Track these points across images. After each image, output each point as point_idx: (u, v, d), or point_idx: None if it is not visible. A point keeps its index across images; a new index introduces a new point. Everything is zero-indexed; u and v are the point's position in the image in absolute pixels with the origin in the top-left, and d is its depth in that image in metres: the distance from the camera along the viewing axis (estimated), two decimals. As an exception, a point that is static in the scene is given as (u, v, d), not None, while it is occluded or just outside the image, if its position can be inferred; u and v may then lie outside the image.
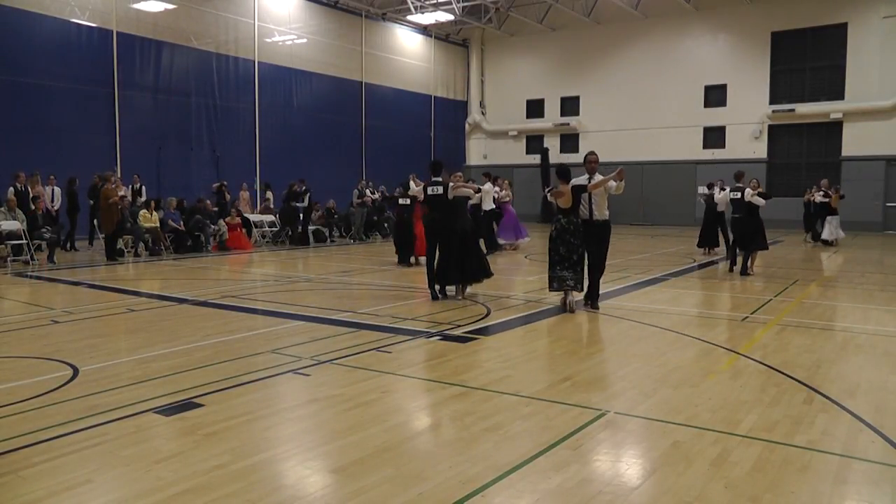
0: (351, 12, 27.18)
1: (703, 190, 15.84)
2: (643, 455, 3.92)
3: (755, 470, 3.65)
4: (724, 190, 14.64)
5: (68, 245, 16.42)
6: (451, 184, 9.46)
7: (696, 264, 14.36)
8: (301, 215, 19.06)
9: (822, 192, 19.65)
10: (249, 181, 21.90)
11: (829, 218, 19.03)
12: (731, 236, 13.71)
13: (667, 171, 27.66)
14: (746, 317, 8.32)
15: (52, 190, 16.03)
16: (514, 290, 10.47)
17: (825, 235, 19.03)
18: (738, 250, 12.74)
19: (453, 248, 9.28)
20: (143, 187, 18.02)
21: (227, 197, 18.79)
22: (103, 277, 12.03)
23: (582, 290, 8.53)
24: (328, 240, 20.36)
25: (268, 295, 10.29)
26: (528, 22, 30.61)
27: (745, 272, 12.15)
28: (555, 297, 8.97)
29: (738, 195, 12.39)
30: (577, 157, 29.77)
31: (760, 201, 12.34)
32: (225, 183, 19.42)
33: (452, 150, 33.36)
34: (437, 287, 9.51)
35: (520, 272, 13.18)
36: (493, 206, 16.55)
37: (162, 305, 9.02)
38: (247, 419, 4.45)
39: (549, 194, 8.72)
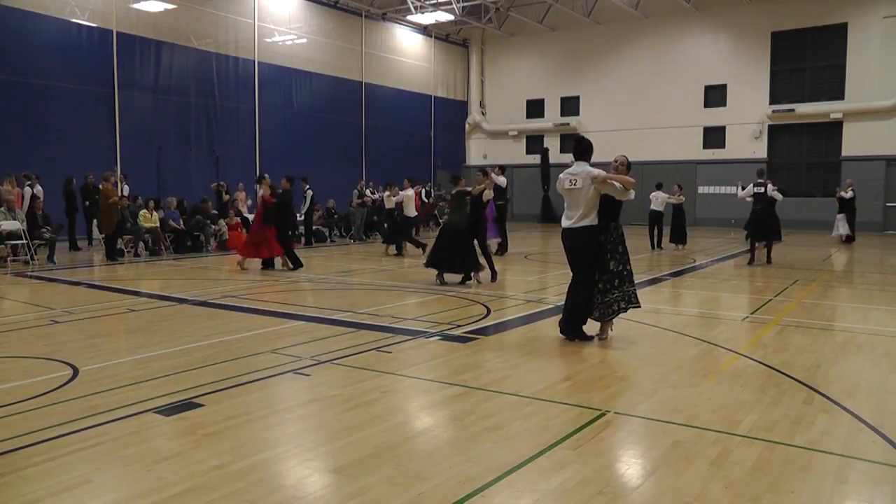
0: (351, 12, 27.18)
1: (661, 195, 18.03)
2: (643, 455, 3.92)
3: (755, 470, 3.65)
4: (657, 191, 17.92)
5: (73, 243, 16.42)
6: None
7: (696, 263, 14.38)
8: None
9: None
10: (249, 181, 21.87)
11: (838, 216, 19.86)
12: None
13: (667, 171, 27.65)
14: (746, 317, 8.32)
15: (34, 189, 15.59)
16: (514, 290, 10.47)
17: (833, 233, 19.91)
18: (755, 242, 14.15)
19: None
20: (127, 186, 17.97)
21: (227, 197, 18.77)
22: (103, 277, 12.03)
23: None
24: (328, 240, 20.35)
25: (268, 295, 10.29)
26: (528, 22, 30.61)
27: (752, 262, 13.84)
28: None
29: (762, 190, 13.92)
30: (577, 157, 29.90)
31: (779, 196, 14.26)
32: (222, 183, 19.42)
33: (452, 150, 33.39)
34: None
35: (520, 272, 13.17)
36: (416, 213, 16.70)
37: (162, 305, 9.01)
38: (247, 419, 4.45)
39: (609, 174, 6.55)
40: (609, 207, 6.60)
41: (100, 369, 5.65)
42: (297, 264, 12.97)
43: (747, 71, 27.08)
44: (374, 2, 27.84)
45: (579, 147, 6.74)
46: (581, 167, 6.61)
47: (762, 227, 13.96)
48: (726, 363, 5.97)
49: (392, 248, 16.20)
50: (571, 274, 6.89)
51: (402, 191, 16.25)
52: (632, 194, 6.55)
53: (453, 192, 11.47)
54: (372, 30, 28.25)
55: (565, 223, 6.69)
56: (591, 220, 6.55)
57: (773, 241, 14.12)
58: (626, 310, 6.71)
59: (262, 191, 13.11)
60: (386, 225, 17.75)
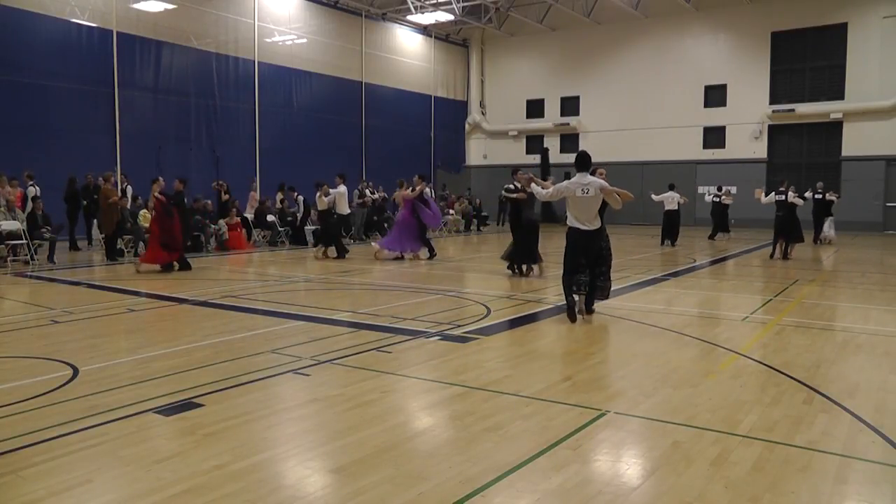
0: (351, 12, 27.19)
1: (675, 195, 19.25)
2: (643, 455, 3.92)
3: (755, 470, 3.65)
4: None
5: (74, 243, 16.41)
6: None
7: (695, 263, 14.38)
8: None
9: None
10: (249, 181, 21.87)
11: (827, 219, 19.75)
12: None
13: (667, 171, 27.67)
14: (746, 317, 8.31)
15: (29, 189, 15.43)
16: (514, 290, 10.46)
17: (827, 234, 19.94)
18: (778, 241, 15.28)
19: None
20: (130, 187, 17.93)
21: (225, 197, 18.66)
22: (103, 277, 12.03)
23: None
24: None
25: (268, 295, 10.29)
26: (528, 22, 30.62)
27: (785, 257, 15.14)
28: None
29: (783, 197, 15.22)
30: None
31: (800, 202, 15.57)
32: (221, 182, 19.39)
33: (452, 150, 33.38)
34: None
35: (520, 272, 13.17)
36: (349, 211, 15.81)
37: (162, 305, 9.02)
38: (247, 419, 4.45)
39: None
40: (599, 212, 7.97)
41: (100, 369, 5.65)
42: (185, 266, 12.59)
43: (747, 71, 27.09)
44: (374, 2, 27.83)
45: (582, 161, 7.77)
46: (586, 178, 7.65)
47: (785, 230, 15.21)
48: (726, 363, 5.97)
49: (330, 251, 15.10)
50: (569, 269, 7.75)
51: (332, 188, 15.14)
52: (620, 204, 7.83)
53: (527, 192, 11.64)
54: (372, 30, 28.25)
55: (584, 227, 7.70)
56: (599, 223, 7.83)
57: (794, 241, 15.36)
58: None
59: (154, 192, 12.59)
60: (319, 226, 16.46)
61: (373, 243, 15.90)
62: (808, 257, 15.94)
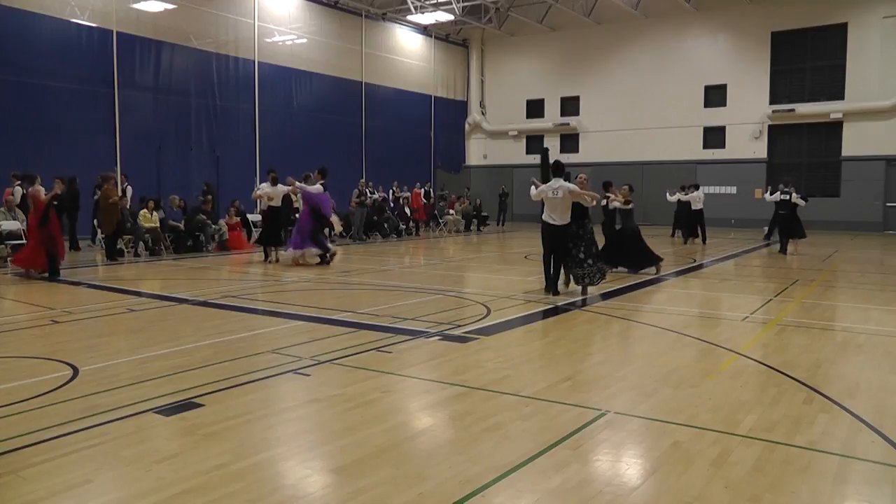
0: (351, 12, 27.18)
1: (700, 194, 19.82)
2: (643, 455, 3.92)
3: (755, 470, 3.65)
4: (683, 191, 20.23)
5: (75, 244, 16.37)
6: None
7: (696, 264, 14.38)
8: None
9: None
10: (249, 181, 21.85)
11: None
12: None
13: (667, 171, 27.70)
14: (746, 317, 8.31)
15: (17, 189, 15.43)
16: (514, 290, 10.46)
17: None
18: (783, 238, 16.35)
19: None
20: (129, 188, 17.84)
21: (208, 199, 17.83)
22: (103, 277, 12.03)
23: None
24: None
25: (268, 295, 10.29)
26: (528, 22, 30.61)
27: (784, 251, 16.11)
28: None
29: (787, 197, 16.20)
30: (577, 158, 29.93)
31: (802, 202, 16.48)
32: (208, 184, 19.08)
33: (452, 150, 33.38)
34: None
35: (520, 272, 13.16)
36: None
37: (162, 305, 9.01)
38: (247, 419, 4.45)
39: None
40: (579, 211, 9.61)
41: (100, 369, 5.65)
42: (53, 273, 11.56)
43: (747, 71, 27.08)
44: (374, 2, 27.83)
45: (557, 167, 9.67)
46: (559, 182, 9.44)
47: (789, 227, 16.20)
48: (726, 363, 5.97)
49: (300, 253, 13.88)
50: (548, 255, 9.69)
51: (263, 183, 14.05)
52: (594, 203, 9.82)
53: (630, 200, 12.72)
54: (372, 30, 28.24)
55: (552, 221, 9.52)
56: (567, 219, 9.51)
57: (798, 237, 16.31)
58: (603, 279, 9.76)
59: (33, 191, 11.80)
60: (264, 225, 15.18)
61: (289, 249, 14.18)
62: (807, 257, 15.93)
